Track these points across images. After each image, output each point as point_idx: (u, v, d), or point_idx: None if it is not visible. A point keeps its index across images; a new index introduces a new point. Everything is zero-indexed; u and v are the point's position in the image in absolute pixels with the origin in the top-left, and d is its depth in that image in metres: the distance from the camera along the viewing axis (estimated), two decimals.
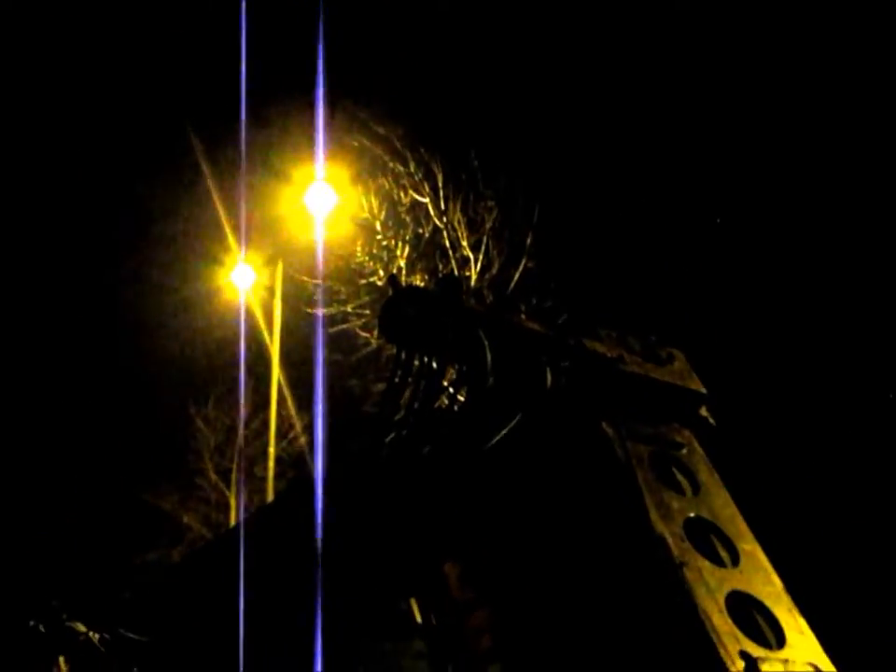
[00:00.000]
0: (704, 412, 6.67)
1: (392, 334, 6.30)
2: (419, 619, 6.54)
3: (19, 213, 29.64)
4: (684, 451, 6.23)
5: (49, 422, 30.44)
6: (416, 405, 6.13)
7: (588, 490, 5.68)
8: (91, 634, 11.60)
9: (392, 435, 6.40)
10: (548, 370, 5.90)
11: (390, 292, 6.31)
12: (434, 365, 6.07)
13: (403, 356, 6.17)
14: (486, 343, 5.86)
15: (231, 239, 23.34)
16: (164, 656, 9.67)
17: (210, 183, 24.21)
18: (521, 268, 21.63)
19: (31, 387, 30.29)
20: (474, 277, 22.34)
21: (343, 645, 7.06)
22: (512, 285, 21.40)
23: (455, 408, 6.33)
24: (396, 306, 6.14)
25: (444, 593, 5.97)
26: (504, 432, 5.84)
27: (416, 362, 6.10)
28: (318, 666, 6.97)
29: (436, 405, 6.27)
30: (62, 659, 11.27)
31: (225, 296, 23.88)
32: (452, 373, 6.67)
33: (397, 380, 6.34)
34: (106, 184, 29.77)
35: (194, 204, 25.73)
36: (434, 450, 6.12)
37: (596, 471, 5.70)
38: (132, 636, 10.87)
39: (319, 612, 6.72)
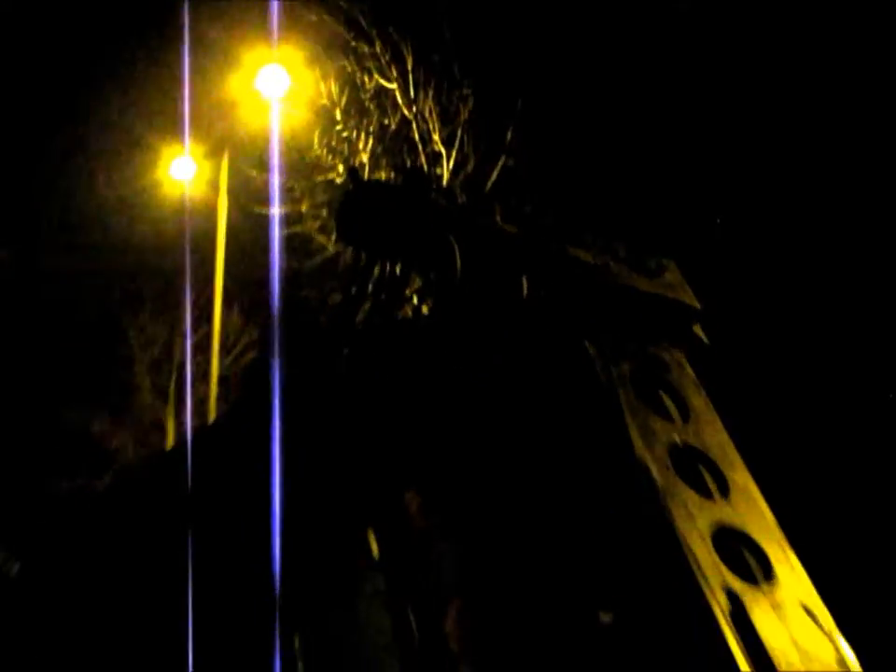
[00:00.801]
0: (697, 329, 6.77)
1: (350, 235, 6.34)
2: (377, 552, 6.68)
3: None
4: (673, 372, 6.33)
5: None
6: (376, 316, 6.21)
7: (565, 412, 5.78)
8: (7, 563, 11.84)
9: (349, 349, 6.49)
10: (524, 278, 5.98)
11: (350, 187, 6.34)
12: (397, 272, 6.13)
13: (363, 260, 6.23)
14: (456, 246, 5.92)
15: (171, 126, 23.05)
16: (89, 593, 9.87)
17: (150, 63, 23.86)
18: (499, 166, 21.55)
19: None
20: (446, 175, 22.17)
21: (296, 576, 7.25)
22: (489, 185, 21.32)
23: (420, 320, 6.40)
24: (355, 203, 6.16)
25: (404, 523, 6.09)
26: (473, 347, 5.94)
27: (377, 268, 6.16)
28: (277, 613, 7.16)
29: (398, 317, 6.34)
30: None
31: (163, 191, 23.64)
32: (417, 282, 6.72)
33: (355, 288, 6.41)
34: (34, 60, 29.28)
35: (131, 87, 25.36)
36: (395, 366, 6.21)
37: (576, 392, 5.80)
38: (53, 563, 11.09)
39: (275, 543, 6.89)
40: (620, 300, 6.34)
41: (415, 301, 6.37)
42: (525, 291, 5.97)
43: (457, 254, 5.91)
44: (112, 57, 26.88)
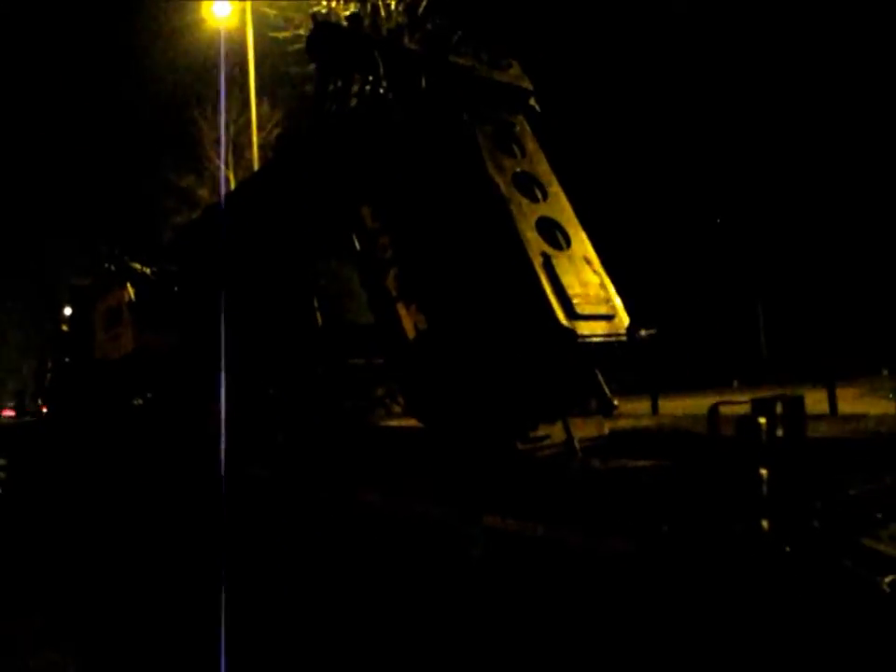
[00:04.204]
0: (532, 102, 7.00)
1: (315, 56, 6.40)
2: (358, 246, 7.09)
3: None
4: (517, 129, 6.57)
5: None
6: (335, 105, 6.41)
7: (450, 155, 6.01)
8: (144, 268, 12.40)
9: (320, 125, 6.74)
10: (423, 77, 6.18)
11: (312, 26, 6.37)
12: (344, 76, 6.29)
13: (324, 72, 6.36)
14: (380, 60, 6.09)
15: None
16: (190, 279, 10.45)
17: None
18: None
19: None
20: (394, 2, 21.25)
21: (303, 261, 7.78)
22: (421, 9, 20.40)
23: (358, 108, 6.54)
24: (316, 36, 6.24)
25: (363, 226, 6.50)
26: (395, 120, 6.19)
27: (332, 81, 6.29)
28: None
29: (349, 105, 6.51)
30: (128, 285, 12.18)
31: (208, 25, 22.62)
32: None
33: (323, 85, 6.56)
34: None
35: None
36: (347, 133, 6.46)
37: (457, 143, 6.00)
38: (170, 268, 11.62)
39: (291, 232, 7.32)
40: (483, 86, 6.52)
41: (356, 99, 6.44)
42: (423, 84, 6.17)
43: (381, 64, 6.08)
44: None
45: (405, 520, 4.80)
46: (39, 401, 37.87)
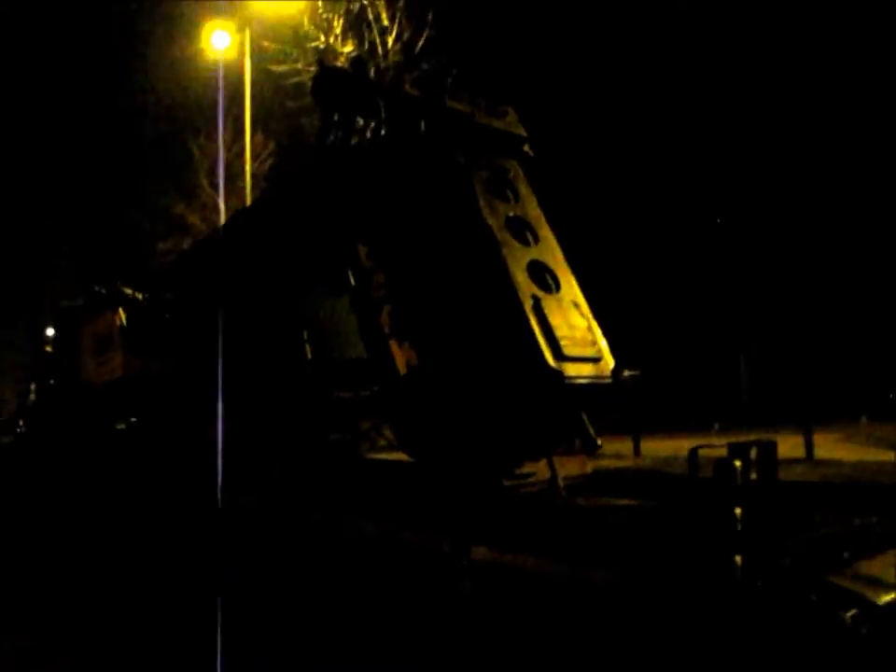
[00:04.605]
0: (526, 148, 7.26)
1: (320, 98, 6.67)
2: (353, 283, 7.27)
3: None
4: (511, 174, 6.79)
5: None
6: (337, 141, 6.65)
7: (445, 198, 6.24)
8: (136, 294, 12.49)
9: (321, 162, 6.97)
10: (422, 121, 6.45)
11: (318, 69, 6.63)
12: (347, 118, 6.55)
13: (328, 113, 6.62)
14: (382, 105, 6.35)
15: (210, 12, 22.29)
16: (183, 307, 10.58)
17: None
18: (424, 35, 21.13)
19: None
20: (391, 41, 21.75)
21: (296, 293, 7.95)
22: (418, 48, 20.93)
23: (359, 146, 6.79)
24: (321, 79, 6.50)
25: (358, 263, 6.70)
26: (395, 160, 6.44)
27: (336, 117, 6.56)
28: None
29: (350, 143, 6.76)
30: (120, 310, 12.24)
31: (206, 56, 22.98)
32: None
33: (326, 125, 6.82)
34: None
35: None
36: (348, 169, 6.70)
37: (451, 186, 6.25)
38: (162, 294, 11.75)
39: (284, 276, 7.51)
40: (479, 132, 6.77)
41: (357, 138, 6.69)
42: (423, 128, 6.42)
43: (383, 109, 6.33)
44: None
45: (393, 547, 4.97)
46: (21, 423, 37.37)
